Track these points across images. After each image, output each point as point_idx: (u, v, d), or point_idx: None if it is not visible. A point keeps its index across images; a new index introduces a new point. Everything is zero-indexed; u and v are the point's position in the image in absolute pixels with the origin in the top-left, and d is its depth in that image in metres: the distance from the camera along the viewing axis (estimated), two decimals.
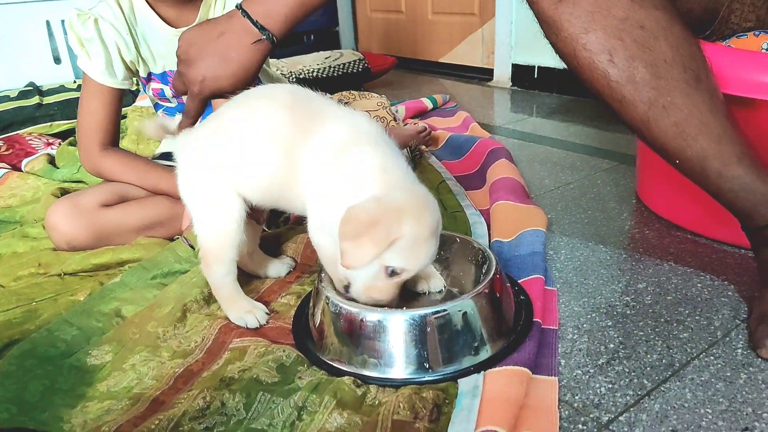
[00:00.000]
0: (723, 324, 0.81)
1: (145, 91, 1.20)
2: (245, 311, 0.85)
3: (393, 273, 0.71)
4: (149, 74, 1.15)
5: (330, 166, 0.75)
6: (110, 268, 1.02)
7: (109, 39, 1.07)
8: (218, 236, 0.84)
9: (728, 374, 0.71)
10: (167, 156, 1.25)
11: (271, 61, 2.24)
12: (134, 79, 1.15)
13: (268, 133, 0.79)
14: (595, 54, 0.82)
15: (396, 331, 0.72)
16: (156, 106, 1.27)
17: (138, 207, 1.08)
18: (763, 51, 0.93)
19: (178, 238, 1.05)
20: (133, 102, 1.80)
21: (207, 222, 0.84)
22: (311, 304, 0.82)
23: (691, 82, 0.80)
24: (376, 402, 0.68)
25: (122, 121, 1.72)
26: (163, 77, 1.14)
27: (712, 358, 0.74)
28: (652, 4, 0.81)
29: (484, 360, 0.73)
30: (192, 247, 1.01)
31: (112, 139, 1.13)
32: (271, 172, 0.79)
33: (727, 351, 0.75)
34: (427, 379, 0.71)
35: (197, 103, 0.87)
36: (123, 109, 1.79)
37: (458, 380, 0.70)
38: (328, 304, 0.76)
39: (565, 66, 0.88)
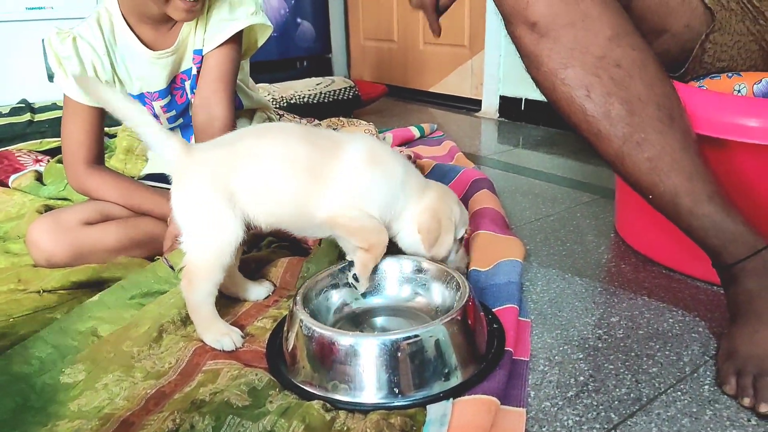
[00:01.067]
0: (692, 360, 0.82)
1: None
2: (222, 334, 0.85)
3: (461, 239, 0.97)
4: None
5: (363, 174, 0.88)
6: (90, 287, 1.02)
7: (86, 57, 1.08)
8: (211, 256, 0.85)
9: (694, 410, 0.72)
10: (153, 177, 1.26)
11: (262, 85, 2.27)
12: None
13: (291, 159, 0.86)
14: (573, 89, 0.85)
15: (368, 355, 0.73)
16: None
17: (120, 226, 1.09)
18: (736, 93, 0.96)
19: (158, 258, 1.05)
20: None
21: (202, 241, 0.86)
22: (285, 328, 0.83)
23: (664, 120, 0.83)
24: (345, 428, 0.68)
25: (111, 140, 1.75)
26: (140, 98, 1.16)
27: (679, 393, 0.75)
28: (628, 44, 0.84)
29: (454, 386, 0.74)
30: (172, 268, 1.01)
31: (96, 157, 1.13)
32: (295, 192, 0.86)
33: (695, 387, 0.76)
34: (396, 404, 0.72)
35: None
36: (113, 128, 1.82)
37: (427, 407, 0.71)
38: (301, 327, 0.77)
39: (546, 99, 0.91)
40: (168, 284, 0.98)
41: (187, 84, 1.16)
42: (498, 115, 2.45)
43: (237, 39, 1.13)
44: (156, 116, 1.18)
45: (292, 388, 0.76)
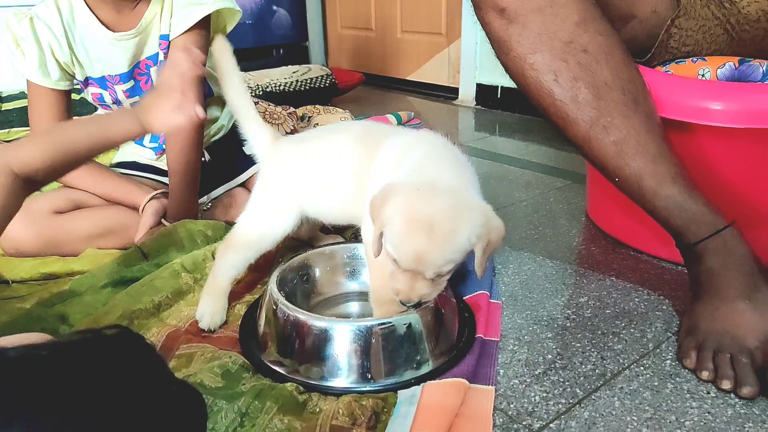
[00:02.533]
0: (655, 336, 0.84)
1: (84, 95, 1.20)
2: (211, 311, 0.87)
3: (395, 260, 0.70)
4: (87, 78, 1.14)
5: (391, 169, 0.80)
6: (60, 278, 1.01)
7: (43, 38, 1.07)
8: (256, 235, 0.90)
9: (656, 384, 0.74)
10: (123, 165, 1.25)
11: None
12: (74, 81, 1.15)
13: (341, 164, 0.87)
14: (541, 73, 0.86)
15: (341, 340, 0.74)
16: None
17: (90, 215, 1.08)
18: (700, 77, 0.98)
19: (131, 247, 1.04)
20: (96, 111, 1.79)
21: (257, 220, 0.91)
22: (258, 311, 0.83)
23: (629, 104, 0.85)
24: (317, 409, 0.69)
25: None
26: (101, 82, 1.14)
27: (642, 368, 0.77)
28: (595, 29, 0.86)
29: (424, 374, 0.75)
30: (146, 257, 1.01)
31: None
32: (343, 197, 0.87)
33: (657, 362, 0.78)
34: (368, 389, 0.73)
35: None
36: (84, 117, 1.79)
37: (398, 392, 0.72)
38: (276, 310, 0.78)
39: (515, 84, 0.92)
40: (140, 272, 0.98)
41: (153, 70, 1.14)
42: (475, 102, 2.46)
43: (205, 24, 1.11)
44: (118, 101, 1.17)
45: (265, 370, 0.77)
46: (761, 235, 0.90)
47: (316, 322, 0.76)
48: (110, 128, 0.81)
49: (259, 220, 0.90)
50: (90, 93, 1.16)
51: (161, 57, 1.13)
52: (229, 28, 1.19)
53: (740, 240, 0.81)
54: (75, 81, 1.15)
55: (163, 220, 1.09)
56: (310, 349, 0.75)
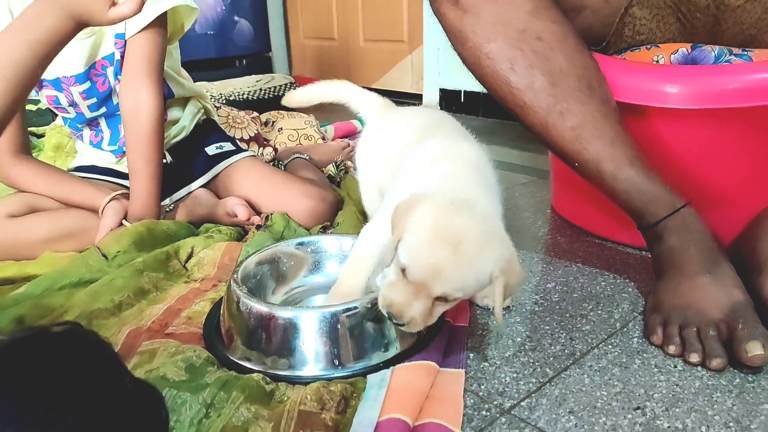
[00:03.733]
0: (622, 316, 0.85)
1: (39, 98, 1.18)
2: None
3: (404, 271, 0.64)
4: (40, 81, 1.12)
5: (416, 175, 0.77)
6: (15, 282, 0.97)
7: None
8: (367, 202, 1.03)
9: (624, 360, 0.75)
10: (82, 169, 1.22)
11: (201, 83, 2.23)
12: None
13: (399, 150, 0.88)
14: (497, 62, 0.87)
15: (307, 328, 0.73)
16: (65, 121, 1.24)
17: (47, 218, 1.05)
18: (655, 63, 1.00)
19: (90, 248, 1.01)
20: (53, 120, 1.75)
21: (364, 189, 1.02)
22: (222, 307, 0.81)
23: (584, 90, 0.86)
24: (285, 398, 0.68)
25: (41, 139, 1.68)
26: (56, 83, 1.11)
27: (610, 346, 0.78)
28: (548, 17, 0.87)
29: (393, 356, 0.74)
30: (105, 257, 0.98)
31: (20, 146, 1.09)
32: (379, 179, 0.93)
33: (624, 340, 0.79)
34: (336, 375, 0.71)
35: None
36: (41, 128, 1.75)
37: (367, 376, 0.71)
38: (238, 304, 0.76)
39: (472, 75, 0.93)
40: (100, 273, 0.95)
41: (110, 70, 1.12)
42: (439, 107, 2.48)
43: (161, 22, 1.09)
44: (74, 103, 1.14)
45: (230, 365, 0.75)
46: (715, 216, 0.92)
47: (281, 311, 0.74)
48: (42, 31, 0.74)
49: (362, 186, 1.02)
50: (44, 95, 1.13)
51: (117, 56, 1.10)
52: (187, 26, 1.18)
53: (697, 218, 0.83)
54: None
55: (124, 221, 1.07)
56: (275, 340, 0.74)
